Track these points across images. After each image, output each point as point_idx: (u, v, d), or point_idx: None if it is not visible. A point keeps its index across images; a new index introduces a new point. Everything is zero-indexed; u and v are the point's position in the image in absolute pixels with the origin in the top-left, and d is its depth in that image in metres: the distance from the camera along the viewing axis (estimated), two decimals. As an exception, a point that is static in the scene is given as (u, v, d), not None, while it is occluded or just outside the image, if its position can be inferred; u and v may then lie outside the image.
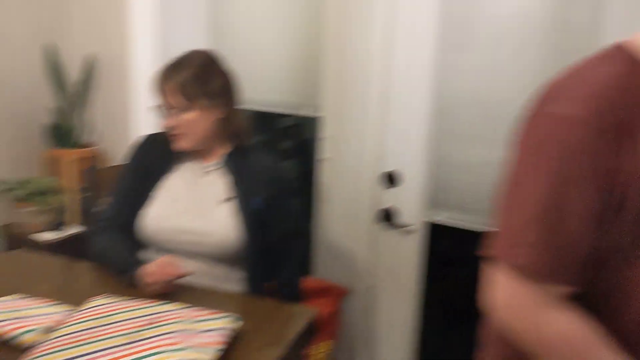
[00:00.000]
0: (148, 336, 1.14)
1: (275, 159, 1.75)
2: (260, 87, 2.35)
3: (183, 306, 1.30)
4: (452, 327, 2.34)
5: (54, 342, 1.13)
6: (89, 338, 1.13)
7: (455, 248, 2.25)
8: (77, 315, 1.25)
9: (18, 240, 2.38)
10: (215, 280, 1.63)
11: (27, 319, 1.25)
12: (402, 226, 2.09)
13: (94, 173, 2.01)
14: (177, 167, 1.71)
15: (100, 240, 1.66)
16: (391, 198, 2.10)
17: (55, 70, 2.56)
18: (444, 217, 2.07)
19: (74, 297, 1.41)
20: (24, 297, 1.39)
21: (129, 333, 1.16)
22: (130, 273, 1.50)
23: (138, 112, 2.52)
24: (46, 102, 2.62)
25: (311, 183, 2.53)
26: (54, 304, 1.35)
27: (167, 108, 1.61)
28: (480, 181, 1.98)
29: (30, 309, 1.31)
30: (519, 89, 1.88)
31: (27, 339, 1.20)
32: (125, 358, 1.07)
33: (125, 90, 2.55)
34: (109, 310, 1.26)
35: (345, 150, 2.14)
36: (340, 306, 2.24)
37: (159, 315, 1.24)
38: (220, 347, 1.17)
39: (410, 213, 2.08)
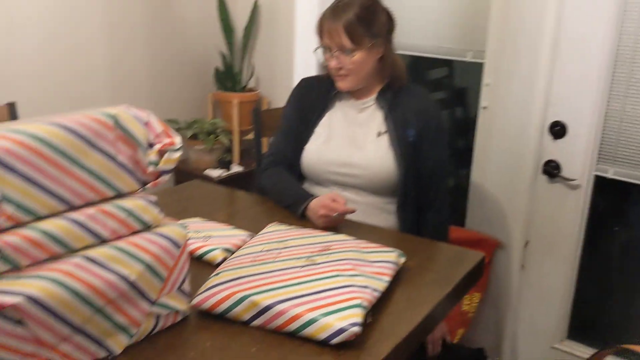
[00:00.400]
0: (323, 261, 1.21)
1: (428, 95, 1.77)
2: (416, 32, 2.32)
3: (351, 238, 1.35)
4: (611, 293, 2.22)
5: (238, 260, 1.22)
6: (269, 258, 1.21)
7: (623, 206, 2.12)
8: (256, 238, 1.35)
9: (188, 176, 2.58)
10: (370, 213, 1.69)
11: (212, 239, 1.37)
12: (565, 180, 2.00)
13: (258, 115, 2.11)
14: (334, 105, 1.78)
15: (267, 176, 1.77)
16: (555, 150, 2.01)
17: (224, 16, 2.69)
18: (611, 173, 1.95)
19: (247, 224, 1.52)
20: (205, 221, 1.52)
21: (305, 257, 1.22)
22: (300, 206, 1.58)
23: (300, 57, 2.59)
24: (217, 46, 2.77)
25: (465, 133, 2.48)
26: (232, 228, 1.46)
27: (332, 49, 1.65)
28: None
29: (214, 230, 1.43)
30: None
31: (213, 256, 1.31)
32: (304, 278, 1.13)
33: (288, 35, 2.63)
34: (285, 236, 1.34)
35: (508, 99, 2.07)
36: (492, 259, 2.20)
37: (331, 243, 1.30)
38: (388, 278, 1.21)
39: (575, 167, 1.98)
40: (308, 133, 1.77)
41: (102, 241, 0.96)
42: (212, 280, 1.14)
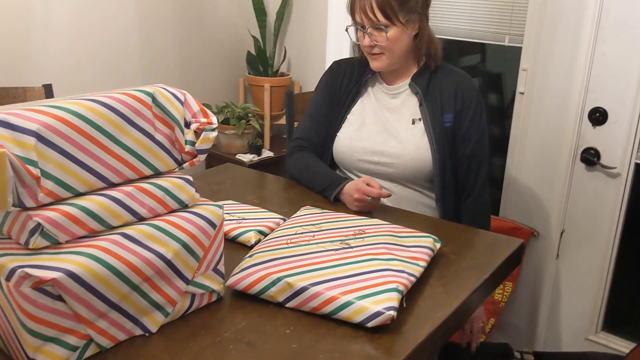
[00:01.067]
0: (357, 244, 1.19)
1: (465, 74, 1.70)
2: (450, 15, 2.27)
3: (386, 222, 1.34)
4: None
5: (272, 242, 1.21)
6: (304, 241, 1.20)
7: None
8: (289, 221, 1.34)
9: (219, 161, 2.58)
10: (405, 207, 1.65)
11: (246, 221, 1.36)
12: (604, 168, 1.94)
13: (290, 99, 2.09)
14: (366, 90, 1.74)
15: (295, 161, 1.74)
16: (594, 137, 1.96)
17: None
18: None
19: (279, 208, 1.51)
20: (238, 204, 1.51)
21: (340, 240, 1.21)
22: (334, 190, 1.57)
23: (332, 40, 2.57)
24: (249, 30, 2.76)
25: (500, 120, 2.43)
26: (266, 211, 1.45)
27: (365, 27, 1.60)
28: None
29: (247, 212, 1.42)
30: None
31: (247, 238, 1.31)
32: (339, 261, 1.12)
33: (321, 19, 2.61)
34: (318, 219, 1.32)
35: (546, 84, 2.02)
36: (525, 249, 2.16)
37: (365, 227, 1.28)
38: (424, 263, 1.19)
39: (615, 155, 1.92)
40: (339, 120, 1.73)
41: (140, 219, 0.95)
42: (247, 262, 1.13)
